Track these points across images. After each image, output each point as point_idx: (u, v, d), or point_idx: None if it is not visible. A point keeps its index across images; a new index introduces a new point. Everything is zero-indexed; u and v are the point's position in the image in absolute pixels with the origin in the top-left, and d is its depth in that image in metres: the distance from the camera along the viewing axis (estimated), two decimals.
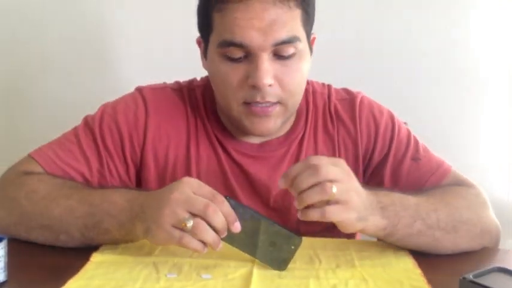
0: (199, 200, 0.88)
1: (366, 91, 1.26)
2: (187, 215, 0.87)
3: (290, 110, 1.11)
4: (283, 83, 1.05)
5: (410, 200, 1.01)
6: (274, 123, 1.09)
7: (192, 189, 0.90)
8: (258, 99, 1.05)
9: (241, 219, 0.90)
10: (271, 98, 1.05)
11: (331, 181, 0.87)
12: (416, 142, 1.20)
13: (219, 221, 0.88)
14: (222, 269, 0.93)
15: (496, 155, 1.79)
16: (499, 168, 1.79)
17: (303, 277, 0.91)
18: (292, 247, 0.93)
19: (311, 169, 0.88)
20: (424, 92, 1.75)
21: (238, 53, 1.03)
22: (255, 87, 1.03)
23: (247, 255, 0.94)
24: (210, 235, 0.88)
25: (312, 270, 0.94)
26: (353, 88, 1.26)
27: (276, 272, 0.92)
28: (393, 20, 1.73)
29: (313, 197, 0.87)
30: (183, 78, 1.24)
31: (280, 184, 0.90)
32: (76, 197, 1.00)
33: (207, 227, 0.88)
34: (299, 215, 0.89)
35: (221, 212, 0.88)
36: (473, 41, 1.73)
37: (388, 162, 1.18)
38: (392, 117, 1.21)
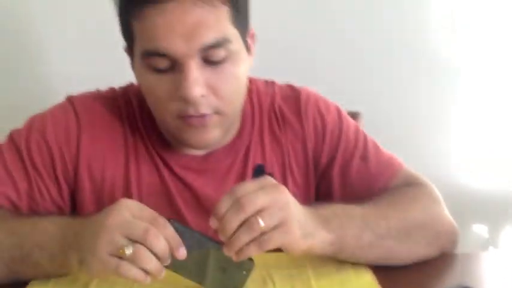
0: (138, 224, 0.79)
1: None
2: (125, 242, 0.78)
3: (230, 118, 1.01)
4: (217, 92, 0.95)
5: (355, 210, 0.95)
6: (213, 134, 0.99)
7: (130, 212, 0.81)
8: (192, 112, 0.94)
9: (187, 244, 0.81)
10: (205, 110, 0.95)
11: (259, 212, 0.79)
12: (365, 139, 1.13)
13: (160, 247, 0.79)
14: None
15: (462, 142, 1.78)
16: (465, 154, 1.78)
17: None
18: (244, 272, 0.85)
19: (235, 205, 0.79)
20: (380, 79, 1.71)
21: (163, 63, 0.92)
22: (186, 99, 0.93)
23: (194, 284, 0.86)
24: (151, 263, 0.79)
25: None
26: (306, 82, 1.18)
27: None
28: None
29: (242, 239, 0.79)
30: (121, 73, 1.08)
31: (212, 224, 0.81)
32: (2, 226, 0.90)
33: (148, 254, 0.79)
34: (235, 258, 0.81)
35: (164, 236, 0.79)
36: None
37: (336, 163, 1.10)
38: (339, 113, 1.14)
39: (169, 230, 0.80)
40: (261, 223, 0.79)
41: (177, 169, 1.06)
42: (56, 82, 1.63)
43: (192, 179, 1.06)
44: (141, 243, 0.78)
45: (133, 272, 0.79)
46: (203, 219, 0.93)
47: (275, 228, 0.80)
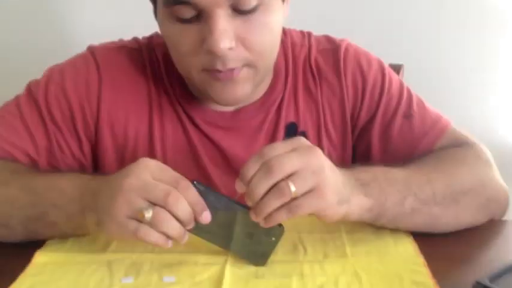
0: (158, 187, 0.73)
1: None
2: (145, 204, 0.73)
3: (262, 72, 0.93)
4: (248, 44, 0.87)
5: (397, 173, 0.87)
6: (242, 90, 0.91)
7: (150, 173, 0.75)
8: (219, 66, 0.87)
9: (212, 207, 0.75)
10: (234, 64, 0.87)
11: (290, 176, 0.72)
12: (410, 96, 1.03)
13: (183, 210, 0.73)
14: (188, 267, 0.78)
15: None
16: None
17: (284, 275, 0.77)
18: (273, 239, 0.79)
19: (263, 167, 0.72)
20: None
21: (188, 12, 0.84)
22: (213, 53, 0.85)
23: (219, 248, 0.80)
24: (172, 227, 0.73)
25: (296, 263, 0.79)
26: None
27: (253, 269, 0.78)
28: None
29: (271, 205, 0.72)
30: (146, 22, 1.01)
31: (238, 188, 0.74)
32: (17, 183, 0.86)
33: (169, 217, 0.73)
34: (262, 224, 0.75)
35: (187, 200, 0.73)
36: None
37: (376, 121, 1.02)
38: (382, 68, 1.04)
39: (193, 192, 0.74)
40: (292, 188, 0.72)
41: (203, 126, 0.99)
42: (79, 32, 1.58)
43: (219, 137, 0.99)
44: (162, 207, 0.73)
45: (154, 236, 0.73)
46: (231, 180, 0.85)
47: (307, 193, 0.73)
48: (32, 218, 0.83)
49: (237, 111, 1.00)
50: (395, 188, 0.84)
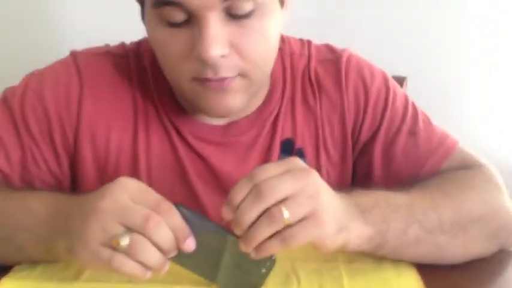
0: (137, 211, 0.66)
1: None
2: (121, 230, 0.65)
3: (256, 83, 0.86)
4: (242, 51, 0.80)
5: (400, 198, 0.79)
6: (235, 101, 0.84)
7: (129, 194, 0.67)
8: (209, 75, 0.80)
9: (197, 233, 0.68)
10: (227, 73, 0.80)
11: (283, 201, 0.65)
12: (415, 111, 0.96)
13: (164, 237, 0.66)
14: None
15: None
16: None
17: None
18: (264, 270, 0.71)
19: (253, 192, 0.65)
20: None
21: (177, 15, 0.77)
22: (203, 60, 0.78)
23: (204, 279, 0.73)
24: (152, 256, 0.66)
25: None
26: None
27: None
28: None
29: (262, 233, 0.65)
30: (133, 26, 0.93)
31: (225, 214, 0.67)
32: None
33: (149, 245, 0.66)
34: (253, 255, 0.67)
35: (168, 225, 0.66)
36: None
37: (379, 138, 0.94)
38: (386, 81, 0.97)
39: (176, 217, 0.67)
40: (285, 214, 0.64)
41: (192, 140, 0.92)
42: (64, 36, 1.50)
43: (209, 153, 0.92)
44: (141, 233, 0.65)
45: (130, 266, 0.66)
46: (221, 200, 0.76)
47: (302, 220, 0.66)
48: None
49: (229, 125, 0.93)
50: (398, 215, 0.77)
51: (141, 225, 0.65)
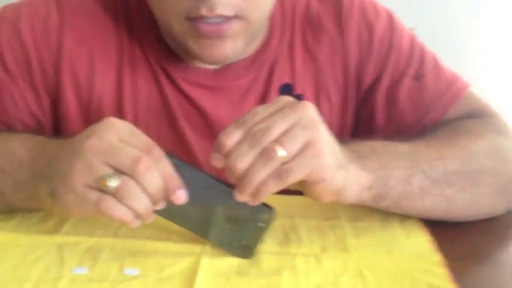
0: (126, 151, 0.60)
1: None
2: (109, 171, 0.59)
3: (255, 25, 0.79)
4: None
5: (401, 146, 0.74)
6: (233, 46, 0.78)
7: (118, 134, 0.62)
8: (204, 12, 0.73)
9: (188, 185, 0.61)
10: (223, 10, 0.73)
11: (276, 141, 0.59)
12: (423, 53, 0.90)
13: (154, 184, 0.60)
14: (156, 258, 0.64)
15: None
16: None
17: (273, 272, 0.63)
18: (261, 224, 0.65)
19: (246, 136, 0.60)
20: None
21: None
22: None
23: (195, 236, 0.67)
24: (140, 201, 0.60)
25: (287, 256, 0.66)
26: None
27: (235, 262, 0.65)
28: None
29: (258, 175, 0.59)
30: None
31: (215, 162, 0.61)
32: None
33: (138, 189, 0.60)
34: (250, 202, 0.61)
35: (159, 173, 0.60)
36: None
37: (383, 81, 0.89)
38: (391, 20, 0.91)
39: (167, 164, 0.61)
40: (280, 152, 0.59)
41: (182, 84, 0.85)
42: None
43: (201, 98, 0.85)
44: (130, 176, 0.59)
45: (120, 209, 0.60)
46: (212, 147, 0.69)
47: (299, 153, 0.60)
48: None
49: (223, 69, 0.86)
50: (400, 163, 0.72)
51: (130, 167, 0.59)
